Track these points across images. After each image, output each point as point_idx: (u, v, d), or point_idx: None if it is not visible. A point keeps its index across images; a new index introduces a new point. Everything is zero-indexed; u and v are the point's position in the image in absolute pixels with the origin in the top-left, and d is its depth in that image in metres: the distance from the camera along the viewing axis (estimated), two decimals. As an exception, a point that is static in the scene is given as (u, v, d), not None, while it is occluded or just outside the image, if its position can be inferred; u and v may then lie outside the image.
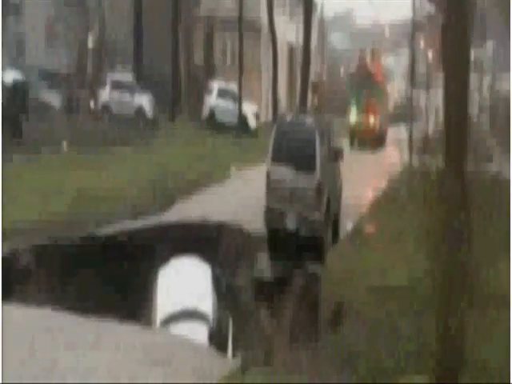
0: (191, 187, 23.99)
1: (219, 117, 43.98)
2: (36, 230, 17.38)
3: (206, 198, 22.97)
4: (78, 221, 18.25)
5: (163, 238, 18.12)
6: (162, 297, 15.78)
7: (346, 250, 17.37)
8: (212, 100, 44.93)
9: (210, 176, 26.38)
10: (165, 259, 16.88)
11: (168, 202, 21.61)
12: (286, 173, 18.11)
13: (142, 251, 17.56)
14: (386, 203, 24.05)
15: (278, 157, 18.25)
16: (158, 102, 44.72)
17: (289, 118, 19.98)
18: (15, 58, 46.92)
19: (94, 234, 17.58)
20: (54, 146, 30.21)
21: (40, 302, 15.03)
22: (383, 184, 28.86)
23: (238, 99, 41.47)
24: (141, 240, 17.82)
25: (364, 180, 29.57)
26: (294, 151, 18.25)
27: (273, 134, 18.63)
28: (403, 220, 19.57)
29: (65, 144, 31.31)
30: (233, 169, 28.96)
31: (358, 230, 20.10)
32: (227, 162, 30.00)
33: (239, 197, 22.84)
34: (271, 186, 18.14)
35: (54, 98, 45.02)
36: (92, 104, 45.98)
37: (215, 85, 45.64)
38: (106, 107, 44.71)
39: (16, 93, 32.29)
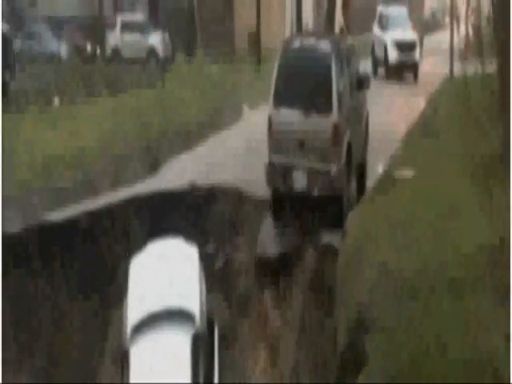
0: (189, 138, 20.08)
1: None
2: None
3: (206, 151, 19.05)
4: (31, 202, 14.50)
5: (138, 216, 14.26)
6: (134, 294, 12.06)
7: (374, 211, 13.36)
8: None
9: (215, 121, 22.39)
10: (139, 244, 13.12)
11: (156, 161, 17.75)
12: (292, 116, 14.12)
13: (109, 236, 13.81)
14: (426, 131, 20.04)
15: (283, 96, 14.25)
16: (175, 40, 41.37)
17: (297, 44, 15.38)
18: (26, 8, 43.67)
19: (45, 221, 13.75)
20: (45, 102, 26.54)
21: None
22: (421, 104, 24.77)
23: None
24: (109, 221, 13.98)
25: (397, 103, 25.37)
26: (304, 87, 14.21)
27: (276, 65, 14.59)
28: (451, 156, 15.74)
29: (56, 100, 27.50)
30: (245, 109, 24.83)
31: (390, 177, 16.06)
32: (241, 99, 25.93)
33: (247, 147, 18.86)
34: (274, 135, 14.19)
35: (61, 48, 41.80)
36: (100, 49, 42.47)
37: None
38: (115, 51, 41.72)
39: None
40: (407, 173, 15.88)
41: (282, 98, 14.23)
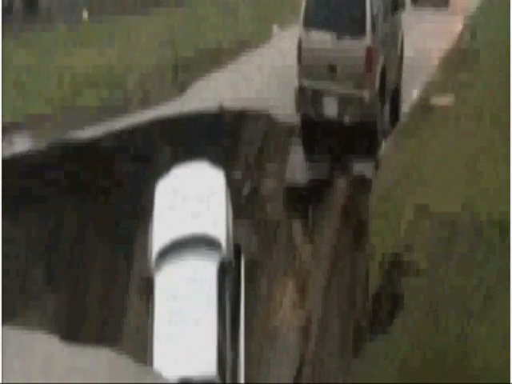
0: (218, 57, 19.49)
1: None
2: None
3: (233, 74, 18.46)
4: (60, 120, 14.16)
5: (163, 139, 13.85)
6: (160, 220, 11.80)
7: (411, 141, 12.84)
8: None
9: (244, 41, 21.75)
10: (164, 168, 12.79)
11: (184, 81, 17.23)
12: (323, 39, 13.51)
13: (134, 158, 13.46)
14: (464, 56, 19.32)
15: (314, 17, 13.61)
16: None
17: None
18: None
19: (71, 139, 13.39)
20: (75, 16, 26.14)
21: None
22: (458, 29, 23.92)
23: None
24: (133, 143, 13.59)
25: (433, 25, 24.50)
26: (336, 9, 13.57)
27: None
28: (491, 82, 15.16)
29: (85, 13, 27.01)
30: (275, 28, 24.13)
31: (425, 104, 15.48)
32: (270, 18, 25.19)
33: (276, 68, 18.27)
34: (304, 58, 13.62)
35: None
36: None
37: None
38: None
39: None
40: (446, 99, 15.26)
41: (312, 20, 13.60)
